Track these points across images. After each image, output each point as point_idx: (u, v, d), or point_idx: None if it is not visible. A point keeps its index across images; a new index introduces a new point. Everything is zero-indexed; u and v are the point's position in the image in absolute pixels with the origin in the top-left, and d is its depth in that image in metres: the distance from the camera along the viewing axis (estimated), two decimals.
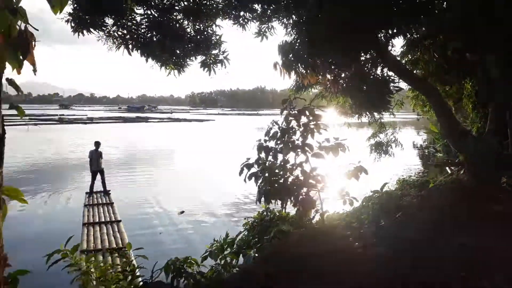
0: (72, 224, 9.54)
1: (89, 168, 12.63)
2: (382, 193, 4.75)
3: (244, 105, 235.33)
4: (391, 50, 6.32)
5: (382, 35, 5.86)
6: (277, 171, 3.82)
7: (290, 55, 6.04)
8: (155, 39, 7.23)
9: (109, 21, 7.23)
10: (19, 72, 1.34)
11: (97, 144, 12.70)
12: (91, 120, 62.43)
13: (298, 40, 6.37)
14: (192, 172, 18.68)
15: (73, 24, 6.61)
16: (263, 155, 3.82)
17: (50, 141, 31.43)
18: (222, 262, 3.50)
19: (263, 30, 8.42)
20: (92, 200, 11.74)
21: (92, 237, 8.38)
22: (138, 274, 3.79)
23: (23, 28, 1.30)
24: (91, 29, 6.88)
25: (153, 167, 19.88)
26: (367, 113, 6.76)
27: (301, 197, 3.68)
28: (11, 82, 1.19)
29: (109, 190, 12.66)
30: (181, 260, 3.22)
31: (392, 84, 6.28)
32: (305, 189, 3.71)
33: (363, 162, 4.07)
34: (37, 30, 1.41)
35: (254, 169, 3.79)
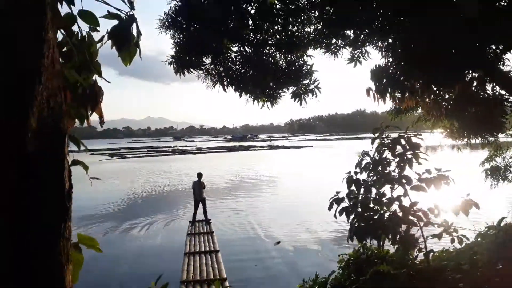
0: (175, 254, 10.19)
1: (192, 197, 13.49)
2: (500, 229, 4.03)
3: (343, 129, 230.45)
4: (501, 65, 5.55)
5: (491, 50, 5.20)
6: (371, 205, 3.55)
7: (384, 80, 5.71)
8: (247, 74, 7.52)
9: (207, 60, 7.80)
10: (88, 124, 1.47)
11: (199, 175, 13.52)
12: (199, 151, 67.39)
13: (393, 63, 6.03)
14: (290, 199, 18.69)
15: (175, 66, 7.23)
16: (354, 188, 3.59)
17: (162, 171, 34.52)
18: None
19: (356, 55, 8.19)
20: (194, 229, 12.39)
21: (192, 267, 8.74)
22: None
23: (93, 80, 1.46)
24: (191, 69, 7.45)
25: (253, 195, 20.39)
26: (477, 136, 5.98)
27: (400, 234, 3.33)
28: (72, 138, 1.29)
29: (210, 219, 13.28)
30: None
31: (507, 103, 5.47)
32: (404, 226, 3.36)
33: (476, 189, 3.56)
34: (109, 82, 1.54)
35: (345, 204, 3.57)
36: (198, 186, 13.29)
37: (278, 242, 11.19)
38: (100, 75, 1.53)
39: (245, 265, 9.58)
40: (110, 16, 1.53)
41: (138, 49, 1.56)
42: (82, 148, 1.47)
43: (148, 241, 12.22)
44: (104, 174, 33.55)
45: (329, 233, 11.99)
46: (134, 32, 1.52)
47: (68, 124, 1.32)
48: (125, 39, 1.48)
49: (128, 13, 1.54)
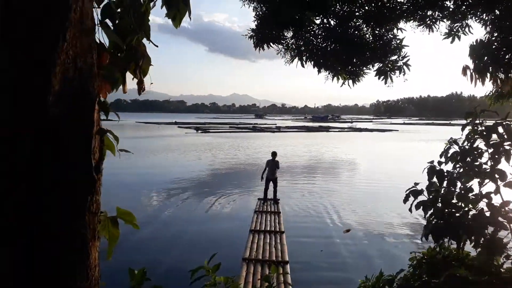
0: (242, 230, 10.27)
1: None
2: None
3: (436, 114, 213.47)
4: None
5: None
6: (454, 201, 3.09)
7: (485, 57, 4.95)
8: (329, 48, 7.11)
9: (288, 34, 7.52)
10: (124, 91, 1.38)
11: (274, 154, 13.47)
12: (278, 129, 67.91)
13: (499, 37, 5.20)
14: (365, 186, 17.92)
15: (255, 40, 7.09)
16: (435, 180, 3.15)
17: (240, 147, 35.49)
18: None
19: (454, 29, 7.24)
20: (263, 207, 12.39)
21: (256, 246, 8.70)
22: None
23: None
24: (271, 43, 7.26)
25: (326, 178, 19.94)
26: None
27: (485, 237, 2.87)
28: (102, 104, 1.19)
29: (279, 199, 13.21)
30: None
31: None
32: (491, 228, 2.87)
33: None
34: (157, 46, 1.43)
35: (424, 197, 3.16)
36: (271, 165, 13.22)
37: (348, 230, 10.66)
38: (148, 38, 1.43)
39: (310, 250, 9.27)
40: None
41: (188, 8, 1.42)
42: (114, 118, 1.39)
43: (217, 213, 12.54)
44: (188, 146, 35.63)
45: (405, 226, 11.09)
46: None
47: (103, 88, 1.25)
48: None
49: None
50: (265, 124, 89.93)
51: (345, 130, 71.87)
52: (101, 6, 1.35)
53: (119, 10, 1.38)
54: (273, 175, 13.19)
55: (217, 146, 36.34)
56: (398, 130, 71.13)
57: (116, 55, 1.28)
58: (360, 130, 71.10)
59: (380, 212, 12.65)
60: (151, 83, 1.59)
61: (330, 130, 69.96)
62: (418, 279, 3.25)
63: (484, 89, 6.01)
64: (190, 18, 1.45)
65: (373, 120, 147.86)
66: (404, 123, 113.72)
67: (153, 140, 42.38)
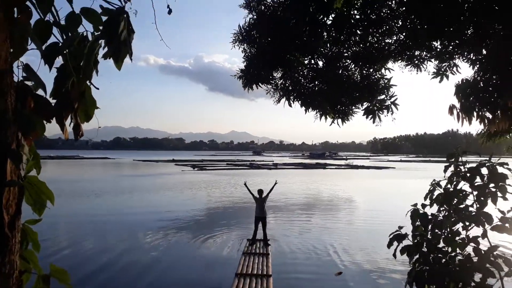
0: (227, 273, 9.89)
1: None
2: None
3: (432, 151, 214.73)
4: None
5: None
6: (440, 245, 2.94)
7: (471, 97, 4.96)
8: (317, 88, 7.16)
9: (277, 74, 7.59)
10: (65, 137, 1.29)
11: (260, 191, 13.04)
12: (275, 166, 67.81)
13: (484, 77, 5.24)
14: (361, 222, 17.65)
15: (244, 80, 7.14)
16: (419, 223, 3.01)
17: (237, 185, 35.15)
18: None
19: (442, 69, 7.32)
20: (251, 248, 11.99)
21: None
22: None
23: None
24: (259, 83, 7.31)
25: (317, 217, 19.49)
26: None
27: (473, 284, 2.69)
28: (12, 153, 1.09)
29: (269, 240, 12.70)
30: None
31: None
32: (480, 275, 2.70)
33: None
34: (98, 88, 1.35)
35: (408, 242, 3.01)
36: (260, 203, 12.79)
37: (340, 273, 10.22)
38: (89, 79, 1.35)
39: None
40: (103, 12, 1.36)
41: (128, 49, 1.35)
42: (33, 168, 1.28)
43: (204, 254, 12.17)
44: (183, 184, 35.30)
45: (400, 266, 10.52)
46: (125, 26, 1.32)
47: (32, 135, 1.15)
48: (112, 34, 1.29)
49: (124, 4, 1.36)
50: (262, 161, 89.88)
51: (342, 167, 71.78)
52: (45, 46, 1.29)
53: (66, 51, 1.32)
54: (263, 214, 12.69)
55: (213, 184, 36.04)
56: (395, 168, 71.12)
57: (43, 101, 1.18)
58: (357, 167, 71.04)
59: (375, 252, 12.25)
60: (99, 127, 1.50)
61: (327, 167, 69.84)
62: None
63: (479, 126, 5.99)
64: (131, 59, 1.39)
65: (370, 157, 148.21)
66: (401, 160, 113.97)
67: (148, 179, 42.07)
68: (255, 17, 7.21)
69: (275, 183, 13.50)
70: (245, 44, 7.42)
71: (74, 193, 26.65)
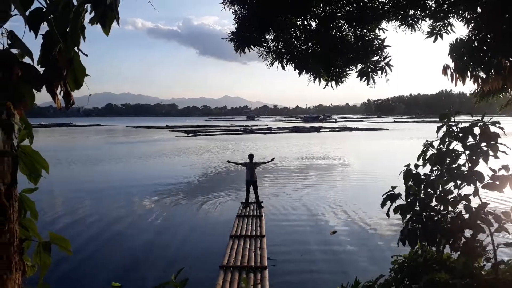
0: (223, 235, 10.11)
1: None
2: None
3: (425, 111, 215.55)
4: None
5: None
6: (433, 204, 3.02)
7: (465, 57, 4.91)
8: (310, 50, 7.04)
9: (269, 36, 7.41)
10: (58, 107, 1.27)
11: (251, 156, 13.26)
12: (270, 131, 67.93)
13: (478, 36, 5.18)
14: (354, 186, 17.96)
15: (235, 42, 6.98)
16: (412, 183, 3.08)
17: (231, 150, 35.35)
18: None
19: (437, 28, 7.20)
20: (245, 211, 12.23)
21: (235, 252, 8.48)
22: None
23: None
24: (252, 46, 7.14)
25: (312, 179, 19.83)
26: None
27: (464, 240, 2.79)
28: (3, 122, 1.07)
29: (262, 202, 12.95)
30: None
31: None
32: (470, 231, 2.80)
33: None
34: (86, 55, 1.32)
35: (402, 201, 3.09)
36: (250, 167, 13.02)
37: (334, 232, 10.51)
38: (77, 46, 1.31)
39: (290, 255, 9.06)
40: None
41: (114, 14, 1.31)
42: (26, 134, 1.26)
43: (200, 218, 12.42)
44: (177, 150, 35.41)
45: (393, 228, 10.76)
46: None
47: (21, 105, 1.13)
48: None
49: None
50: (256, 125, 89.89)
51: (336, 130, 72.09)
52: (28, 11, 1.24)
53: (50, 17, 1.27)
54: (252, 177, 12.95)
55: (207, 149, 36.19)
56: (388, 129, 71.58)
57: (30, 69, 1.15)
58: (351, 129, 71.40)
59: (368, 212, 12.53)
60: (90, 94, 1.48)
61: (321, 130, 70.11)
62: (400, 283, 3.16)
63: (472, 86, 5.97)
64: (119, 24, 1.34)
65: (364, 119, 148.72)
66: (394, 122, 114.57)
67: (143, 145, 42.08)
68: None
69: (272, 159, 13.81)
70: (235, 5, 7.20)
71: (69, 162, 26.69)
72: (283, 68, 6.91)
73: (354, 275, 3.82)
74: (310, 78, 7.37)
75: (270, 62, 6.98)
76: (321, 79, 7.11)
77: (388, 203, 3.10)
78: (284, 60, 6.87)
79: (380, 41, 7.27)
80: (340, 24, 7.62)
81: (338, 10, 7.53)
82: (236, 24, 7.30)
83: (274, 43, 7.43)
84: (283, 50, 7.02)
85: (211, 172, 22.22)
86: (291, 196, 15.20)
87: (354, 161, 26.99)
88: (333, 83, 7.57)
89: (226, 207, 13.64)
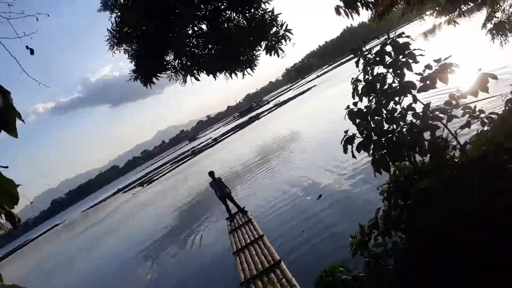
0: (225, 256, 10.05)
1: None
2: None
3: (339, 54, 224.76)
4: None
5: None
6: (386, 128, 3.19)
7: None
8: (213, 52, 7.07)
9: (170, 57, 7.33)
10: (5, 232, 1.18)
11: (212, 174, 12.64)
12: (215, 141, 67.47)
13: None
14: (314, 144, 18.48)
15: (141, 79, 6.85)
16: (359, 120, 3.23)
17: (189, 178, 34.78)
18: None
19: None
20: (234, 224, 12.14)
21: (246, 264, 8.44)
22: None
23: None
24: (158, 74, 7.05)
25: (273, 161, 20.05)
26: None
27: (426, 143, 2.99)
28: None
29: (244, 207, 12.80)
30: (328, 273, 2.89)
31: None
32: (428, 133, 3.00)
33: (487, 62, 3.14)
34: (6, 167, 1.24)
35: (359, 139, 3.23)
36: (217, 185, 12.50)
37: (320, 196, 10.75)
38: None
39: (294, 237, 9.14)
40: None
41: (15, 113, 1.23)
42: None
43: (197, 255, 12.10)
44: (141, 205, 34.25)
45: (367, 165, 11.11)
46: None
47: None
48: None
49: None
50: (201, 143, 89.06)
51: (273, 109, 73.19)
52: None
53: None
54: (223, 192, 12.52)
55: (169, 189, 35.34)
56: (316, 85, 73.86)
57: None
58: (285, 102, 72.83)
59: (338, 163, 12.90)
60: (31, 202, 1.39)
61: (260, 116, 70.88)
62: (396, 207, 3.32)
63: (368, 13, 6.31)
64: (23, 120, 1.27)
65: (291, 88, 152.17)
66: (317, 76, 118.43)
67: (107, 220, 40.26)
68: (119, 14, 6.82)
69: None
70: (123, 44, 7.05)
71: (48, 277, 24.90)
72: (197, 79, 6.90)
73: (356, 221, 3.93)
74: (226, 76, 7.43)
75: (182, 79, 6.93)
76: (236, 72, 7.18)
77: (349, 146, 3.22)
78: (194, 71, 6.86)
79: (270, 13, 7.47)
80: (228, 16, 7.71)
81: (219, 4, 7.62)
82: (132, 61, 7.16)
83: (177, 61, 7.39)
84: (188, 64, 6.99)
85: (183, 208, 21.71)
86: (266, 186, 15.28)
87: (302, 128, 27.58)
88: (248, 70, 7.67)
89: (215, 231, 13.43)
